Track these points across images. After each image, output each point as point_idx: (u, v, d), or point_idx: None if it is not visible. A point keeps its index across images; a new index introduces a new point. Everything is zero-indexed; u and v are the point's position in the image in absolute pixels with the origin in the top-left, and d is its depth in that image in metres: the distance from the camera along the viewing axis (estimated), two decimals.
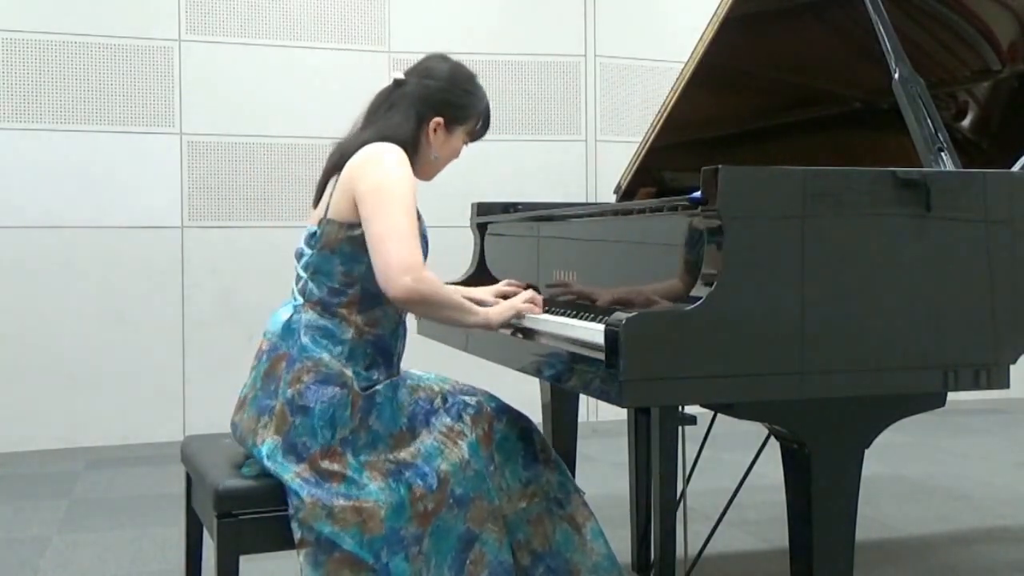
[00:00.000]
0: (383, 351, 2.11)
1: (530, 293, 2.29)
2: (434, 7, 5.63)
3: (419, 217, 2.11)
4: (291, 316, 2.10)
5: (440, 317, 2.16)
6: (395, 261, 1.97)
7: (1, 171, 5.06)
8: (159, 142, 5.27)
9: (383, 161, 2.07)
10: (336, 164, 2.14)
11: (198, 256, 5.31)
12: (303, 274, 2.13)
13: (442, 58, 2.26)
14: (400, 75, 2.23)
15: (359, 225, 2.05)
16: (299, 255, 2.16)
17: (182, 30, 5.30)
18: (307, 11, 5.45)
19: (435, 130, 2.20)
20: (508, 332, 2.28)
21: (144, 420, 5.18)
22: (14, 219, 5.06)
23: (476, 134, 2.28)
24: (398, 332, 2.15)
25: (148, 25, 5.24)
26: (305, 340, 2.05)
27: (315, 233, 2.12)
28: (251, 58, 5.35)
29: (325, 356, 2.04)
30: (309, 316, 2.08)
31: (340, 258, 2.07)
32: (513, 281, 2.51)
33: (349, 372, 2.04)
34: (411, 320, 2.90)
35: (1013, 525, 3.71)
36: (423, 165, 2.24)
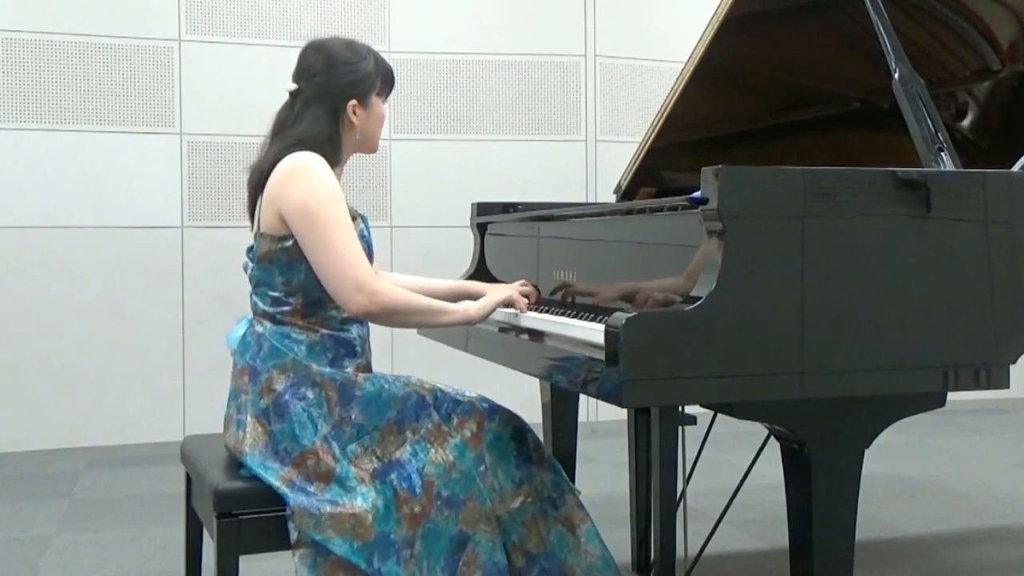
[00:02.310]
0: (343, 343, 2.12)
1: (515, 287, 2.33)
2: (434, 7, 5.62)
3: (354, 217, 2.13)
4: (245, 331, 2.13)
5: (411, 324, 2.18)
6: (344, 285, 2.02)
7: (1, 171, 5.06)
8: (159, 142, 5.27)
9: (302, 176, 2.06)
10: (257, 185, 2.15)
11: (198, 256, 5.31)
12: (249, 287, 2.17)
13: (315, 48, 2.23)
14: (293, 85, 2.22)
15: (290, 236, 2.06)
16: (245, 268, 2.21)
17: (182, 30, 5.30)
18: (307, 11, 5.45)
19: (355, 112, 2.19)
20: (507, 332, 2.29)
21: (144, 420, 5.18)
22: (14, 219, 5.06)
23: (386, 90, 2.27)
24: (348, 323, 2.13)
25: (148, 25, 5.24)
26: (268, 346, 2.07)
27: (252, 247, 2.16)
28: (251, 58, 5.35)
29: (290, 357, 2.05)
30: (262, 328, 2.10)
31: (278, 268, 2.09)
32: (527, 283, 2.50)
33: (315, 368, 2.05)
34: None
35: (1013, 525, 3.71)
36: (362, 144, 2.24)
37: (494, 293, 2.29)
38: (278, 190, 2.07)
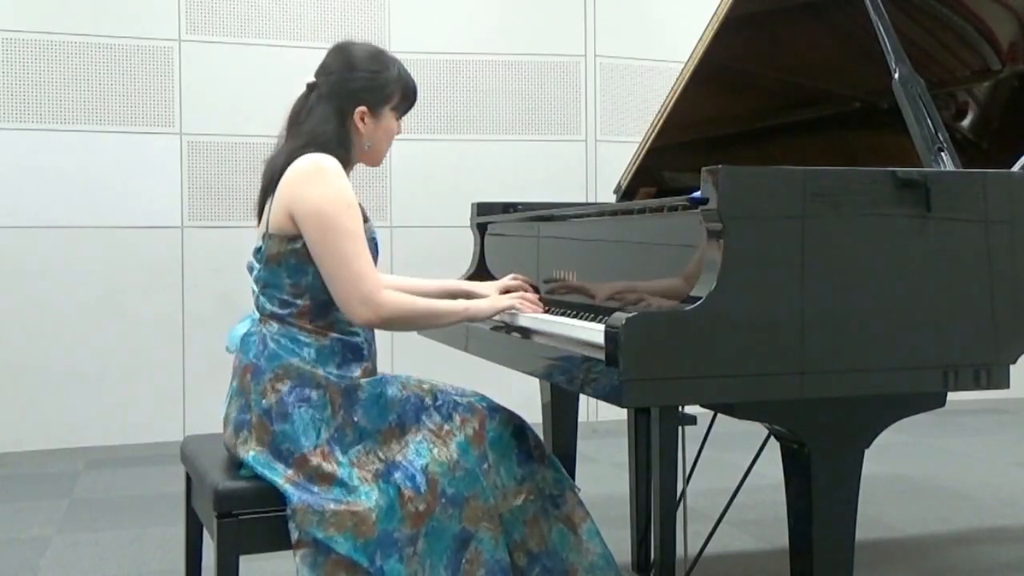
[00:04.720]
0: (351, 347, 2.11)
1: (521, 293, 2.32)
2: (434, 7, 5.62)
3: (365, 219, 2.11)
4: (249, 329, 2.12)
5: (414, 328, 2.21)
6: (351, 300, 2.02)
7: (1, 171, 5.06)
8: (159, 142, 5.27)
9: (317, 178, 2.05)
10: (270, 181, 2.12)
11: (198, 256, 5.31)
12: (255, 288, 2.15)
13: (340, 49, 2.21)
14: (311, 78, 2.20)
15: (300, 237, 2.05)
16: (250, 269, 2.18)
17: (182, 30, 5.30)
18: (307, 11, 5.45)
19: (362, 120, 2.17)
20: (507, 332, 2.29)
21: (144, 420, 5.18)
22: (14, 219, 5.06)
23: (403, 107, 2.24)
24: (355, 325, 2.12)
25: (148, 25, 5.24)
26: (272, 347, 2.06)
27: (260, 248, 2.12)
28: (251, 58, 5.35)
29: (295, 360, 2.05)
30: (269, 328, 2.09)
31: (286, 271, 2.08)
32: (519, 276, 2.51)
33: (321, 372, 2.04)
34: None
35: (1013, 525, 3.71)
36: (364, 155, 2.22)
37: (499, 299, 2.28)
38: (291, 191, 2.06)
